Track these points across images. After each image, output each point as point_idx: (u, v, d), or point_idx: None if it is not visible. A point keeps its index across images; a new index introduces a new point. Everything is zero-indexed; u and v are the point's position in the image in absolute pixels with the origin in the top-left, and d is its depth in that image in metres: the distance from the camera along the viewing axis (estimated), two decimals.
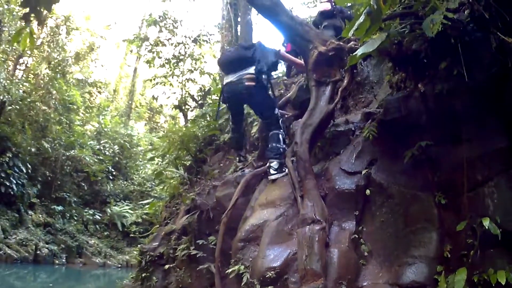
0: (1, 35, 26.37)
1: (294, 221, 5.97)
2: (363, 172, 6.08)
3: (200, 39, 18.98)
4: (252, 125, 9.53)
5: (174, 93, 18.17)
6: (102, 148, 33.36)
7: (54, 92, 29.28)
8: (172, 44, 18.70)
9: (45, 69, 29.92)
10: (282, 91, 10.80)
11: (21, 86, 28.03)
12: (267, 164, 7.39)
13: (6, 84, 25.37)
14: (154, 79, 18.78)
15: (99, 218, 29.71)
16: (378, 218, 5.76)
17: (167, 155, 12.66)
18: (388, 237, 5.57)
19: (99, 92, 39.01)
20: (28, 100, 27.36)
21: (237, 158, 8.65)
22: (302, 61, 8.93)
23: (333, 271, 5.21)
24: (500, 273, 4.61)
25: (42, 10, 6.58)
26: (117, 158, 34.58)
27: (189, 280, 7.95)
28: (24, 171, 25.17)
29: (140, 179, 34.67)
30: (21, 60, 31.36)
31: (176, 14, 30.21)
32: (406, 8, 5.63)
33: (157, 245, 9.38)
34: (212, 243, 7.60)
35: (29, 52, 29.86)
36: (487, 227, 4.68)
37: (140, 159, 36.03)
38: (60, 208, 27.59)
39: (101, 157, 31.72)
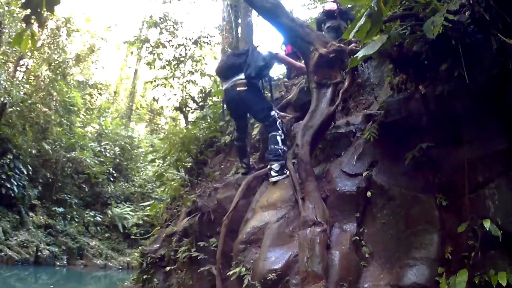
0: (2, 36, 26.38)
1: (295, 223, 5.97)
2: (364, 174, 6.08)
3: (200, 41, 19.01)
4: (253, 127, 9.53)
5: (175, 94, 18.21)
6: (103, 149, 33.41)
7: (55, 93, 29.31)
8: (172, 46, 18.74)
9: (46, 70, 29.96)
10: (282, 93, 10.80)
11: (21, 88, 28.05)
12: (268, 166, 7.39)
13: (6, 85, 25.40)
14: (154, 81, 18.81)
15: (100, 219, 29.73)
16: (379, 220, 5.75)
17: (168, 157, 12.67)
18: (389, 238, 5.56)
19: (100, 94, 39.06)
20: (29, 102, 27.37)
21: (240, 165, 8.64)
22: (300, 64, 9.01)
23: (334, 273, 5.21)
24: (501, 274, 4.60)
25: (43, 12, 6.59)
26: (118, 160, 34.62)
27: (190, 282, 7.95)
28: (25, 172, 25.20)
29: (141, 181, 34.68)
30: (21, 62, 31.41)
31: (177, 16, 30.31)
32: (406, 10, 5.63)
33: (158, 247, 9.38)
34: (213, 245, 7.60)
35: (29, 53, 29.92)
36: (488, 229, 4.66)
37: (141, 161, 36.09)
38: (61, 209, 27.62)
39: (102, 159, 31.78)
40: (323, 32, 11.27)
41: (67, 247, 25.66)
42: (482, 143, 5.20)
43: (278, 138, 7.51)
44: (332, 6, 11.64)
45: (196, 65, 18.57)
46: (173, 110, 19.54)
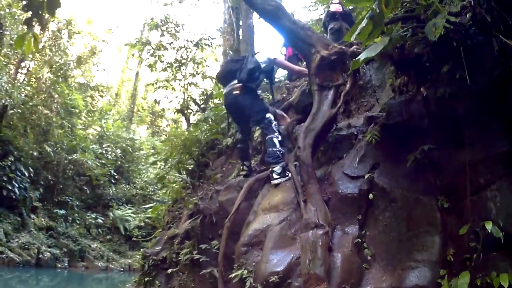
0: (3, 38, 26.40)
1: (297, 226, 5.97)
2: (366, 176, 6.07)
3: (202, 43, 18.97)
4: (255, 130, 9.54)
5: (176, 97, 18.17)
6: (104, 152, 33.42)
7: (56, 96, 29.34)
8: (174, 48, 18.70)
9: (47, 73, 29.98)
10: (284, 95, 10.81)
11: (23, 90, 28.07)
12: (270, 169, 7.40)
13: (8, 88, 25.43)
14: (156, 83, 18.78)
15: (102, 221, 29.74)
16: (381, 222, 5.74)
17: (170, 159, 12.67)
18: (391, 241, 5.56)
19: (101, 96, 39.11)
20: (30, 104, 27.40)
21: (242, 167, 8.66)
22: (299, 67, 9.07)
23: (336, 275, 5.21)
24: (503, 276, 4.60)
25: (44, 14, 6.60)
26: (119, 162, 34.62)
27: (192, 284, 7.94)
28: (26, 175, 25.20)
29: (142, 183, 34.68)
30: (23, 64, 31.44)
31: (178, 18, 30.24)
32: (407, 11, 5.63)
33: (160, 249, 9.38)
34: (215, 248, 7.59)
35: (31, 56, 29.91)
36: (489, 231, 4.66)
37: (143, 163, 36.08)
38: (62, 211, 27.63)
39: (103, 161, 31.80)
40: (328, 34, 11.30)
41: (69, 249, 25.66)
42: (483, 145, 5.20)
43: (275, 140, 7.58)
44: (337, 7, 11.64)
45: (197, 67, 18.53)
46: (174, 112, 19.49)
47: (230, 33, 19.91)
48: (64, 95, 30.03)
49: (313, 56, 6.86)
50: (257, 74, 8.11)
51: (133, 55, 29.23)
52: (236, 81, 8.04)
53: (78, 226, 28.17)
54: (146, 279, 9.16)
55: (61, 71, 30.55)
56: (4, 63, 27.29)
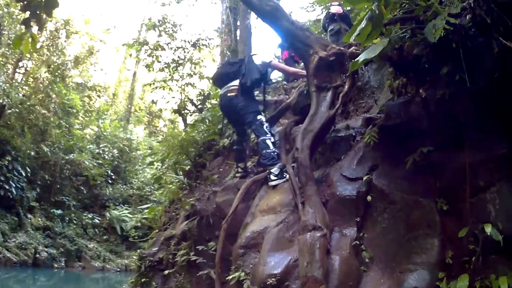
0: (1, 38, 26.36)
1: (295, 228, 5.93)
2: (364, 178, 6.03)
3: (199, 44, 18.97)
4: (250, 131, 9.53)
5: (174, 97, 18.18)
6: (101, 152, 33.37)
7: (54, 95, 29.30)
8: (171, 48, 18.69)
9: (45, 72, 29.92)
10: (281, 96, 10.79)
11: (20, 89, 28.05)
12: (267, 170, 7.37)
13: (5, 87, 25.39)
14: (153, 83, 18.78)
15: (98, 222, 29.72)
16: (380, 224, 5.71)
17: (167, 160, 12.62)
18: (390, 243, 5.53)
19: (99, 96, 39.04)
20: (28, 103, 27.36)
21: (236, 169, 8.66)
22: (294, 69, 9.09)
23: (335, 278, 5.17)
24: (502, 279, 4.58)
25: (42, 14, 6.58)
26: (116, 162, 34.59)
27: (189, 286, 7.92)
28: (24, 174, 25.17)
29: (139, 183, 34.63)
30: (20, 64, 31.40)
31: (176, 18, 30.23)
32: (406, 12, 5.60)
33: (156, 250, 9.35)
34: (212, 249, 7.55)
35: (28, 55, 29.87)
36: (489, 233, 4.63)
37: (139, 163, 36.01)
38: (59, 211, 27.59)
39: (100, 161, 31.74)
40: (328, 35, 11.31)
41: (65, 249, 25.63)
42: (483, 147, 5.17)
43: (268, 141, 7.59)
44: (338, 9, 11.66)
45: (195, 67, 18.51)
46: (171, 113, 19.50)
47: (228, 33, 19.92)
48: (61, 95, 29.99)
49: (311, 57, 6.83)
50: (261, 83, 8.39)
51: (130, 55, 29.30)
52: (232, 83, 8.12)
53: (75, 226, 28.13)
54: (142, 280, 9.12)
55: (59, 71, 30.53)
56: (2, 62, 27.25)
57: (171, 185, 12.12)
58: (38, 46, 29.18)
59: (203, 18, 64.75)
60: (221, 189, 8.28)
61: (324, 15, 12.73)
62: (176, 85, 18.08)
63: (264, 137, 7.63)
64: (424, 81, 5.75)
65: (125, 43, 22.09)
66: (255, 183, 7.55)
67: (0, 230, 22.58)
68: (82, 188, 30.75)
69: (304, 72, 8.36)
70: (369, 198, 5.87)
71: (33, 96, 28.65)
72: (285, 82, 12.35)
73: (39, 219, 26.10)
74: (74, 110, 32.19)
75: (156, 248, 9.44)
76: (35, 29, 8.38)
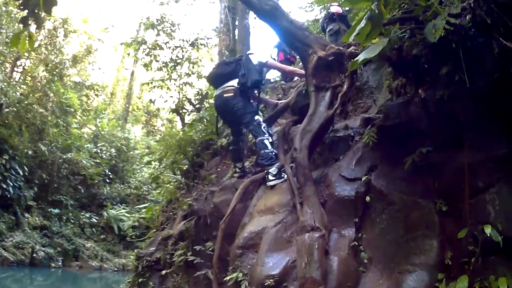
0: None
1: (293, 228, 5.91)
2: (363, 179, 6.01)
3: (197, 43, 18.91)
4: (247, 131, 9.51)
5: (172, 96, 18.09)
6: (99, 151, 33.34)
7: (52, 94, 29.28)
8: (169, 47, 18.62)
9: (43, 71, 29.90)
10: (280, 96, 10.77)
11: (18, 88, 28.06)
12: (265, 170, 7.35)
13: (3, 86, 25.38)
14: (151, 83, 18.72)
15: (96, 221, 29.69)
16: (378, 225, 5.70)
17: (164, 159, 12.60)
18: (388, 244, 5.50)
19: (96, 95, 39.04)
20: (25, 102, 27.35)
21: (234, 169, 8.65)
22: (290, 68, 9.10)
23: (333, 279, 5.16)
24: (502, 280, 4.57)
25: (40, 13, 6.55)
26: (114, 162, 34.57)
27: (186, 286, 7.87)
28: (21, 173, 25.13)
29: (137, 183, 34.62)
30: (18, 62, 31.42)
31: (174, 17, 30.19)
32: (406, 12, 5.57)
33: (153, 250, 9.31)
34: (210, 249, 7.51)
35: (26, 54, 29.85)
36: (489, 234, 4.62)
37: (137, 163, 36.05)
38: (56, 211, 27.56)
39: (98, 160, 31.72)
40: (327, 35, 11.31)
41: (63, 248, 25.61)
42: (482, 147, 5.16)
43: (266, 141, 7.58)
44: (337, 9, 11.68)
45: (193, 67, 18.45)
46: (169, 112, 19.42)
47: (226, 33, 19.89)
48: (59, 94, 29.98)
49: (310, 56, 6.81)
50: (260, 84, 8.29)
51: (128, 54, 29.19)
52: (229, 84, 8.13)
53: (72, 226, 28.10)
54: (139, 280, 9.08)
55: (57, 70, 30.52)
56: (0, 61, 27.24)
57: (168, 185, 12.10)
58: (36, 45, 29.25)
59: (201, 18, 64.78)
60: (218, 189, 8.24)
61: (323, 16, 12.76)
62: (174, 84, 18.04)
63: (262, 137, 7.61)
64: (424, 81, 5.73)
65: (123, 42, 22.03)
66: (253, 183, 7.52)
67: None
68: (80, 187, 30.72)
69: (301, 71, 8.38)
70: (367, 198, 5.85)
71: (31, 95, 28.64)
72: (283, 82, 12.34)
73: (37, 218, 26.07)
74: (72, 109, 32.17)
75: (154, 248, 9.40)
76: (33, 28, 8.36)
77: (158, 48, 18.74)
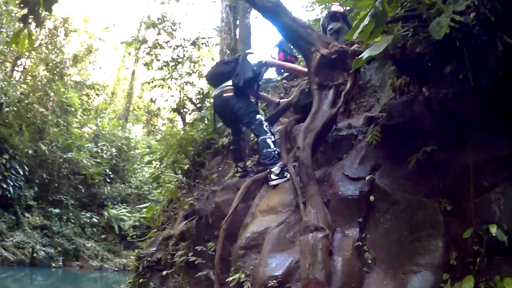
0: None
1: (297, 228, 5.85)
2: (367, 178, 5.94)
3: (198, 42, 18.88)
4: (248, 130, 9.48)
5: (172, 96, 18.07)
6: (99, 150, 33.38)
7: (52, 94, 29.31)
8: (170, 46, 18.59)
9: (43, 71, 29.93)
10: (282, 95, 10.73)
11: (18, 87, 28.08)
12: (268, 169, 7.31)
13: (3, 85, 25.38)
14: (152, 82, 18.68)
15: (96, 221, 29.73)
16: (382, 225, 5.63)
17: (165, 159, 12.56)
18: (393, 244, 5.44)
19: (97, 95, 39.11)
20: (26, 102, 27.36)
21: (236, 169, 8.61)
22: (290, 64, 9.10)
23: (337, 279, 5.09)
24: (507, 280, 4.52)
25: (41, 11, 6.50)
26: (114, 161, 34.62)
27: (188, 286, 7.83)
28: (21, 173, 25.14)
29: (137, 182, 34.67)
30: (19, 62, 31.45)
31: (175, 16, 30.16)
32: (408, 11, 5.54)
33: (154, 251, 9.27)
34: (211, 250, 7.45)
35: (27, 53, 29.90)
36: (494, 234, 4.57)
37: (138, 162, 36.08)
38: (57, 210, 27.59)
39: (98, 160, 31.73)
40: (328, 34, 11.28)
41: (63, 248, 25.64)
42: (487, 146, 5.11)
43: (269, 140, 7.55)
44: (339, 8, 11.68)
45: (194, 66, 18.42)
46: (170, 112, 19.40)
47: (227, 32, 19.84)
48: (60, 93, 30.01)
49: (313, 54, 6.75)
50: (254, 83, 8.26)
51: (129, 53, 29.24)
52: (227, 83, 8.08)
53: (72, 225, 28.14)
54: (140, 281, 9.04)
55: (57, 69, 30.55)
56: (0, 60, 27.26)
57: (169, 184, 12.05)
58: (36, 44, 29.30)
59: (202, 17, 64.73)
60: (220, 188, 8.19)
61: (325, 14, 12.75)
62: (175, 83, 18.01)
63: (264, 136, 7.57)
64: (427, 80, 5.69)
65: (124, 41, 22.02)
66: (255, 182, 7.47)
67: None
68: (80, 187, 30.75)
69: (300, 67, 8.35)
70: (371, 198, 5.78)
71: (31, 94, 28.67)
72: (285, 81, 12.31)
73: (37, 218, 26.09)
74: (73, 109, 32.24)
75: (154, 248, 9.36)
76: (33, 26, 8.31)
77: (159, 47, 18.71)
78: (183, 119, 17.48)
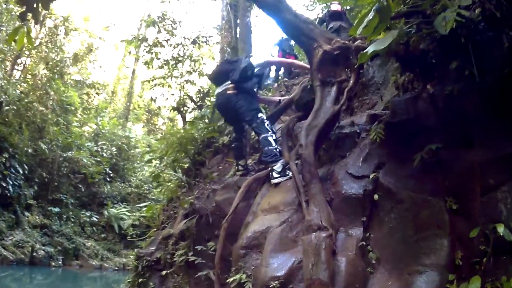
0: None
1: (299, 228, 5.76)
2: (371, 176, 5.85)
3: (199, 40, 18.84)
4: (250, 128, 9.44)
5: (173, 94, 18.03)
6: (99, 149, 33.42)
7: (52, 93, 29.32)
8: (171, 45, 18.56)
9: (43, 69, 29.96)
10: (283, 93, 10.69)
11: (18, 86, 28.08)
12: (269, 168, 7.23)
13: (3, 84, 25.36)
14: (152, 81, 18.64)
15: (96, 220, 29.75)
16: (387, 224, 5.54)
17: (165, 158, 12.52)
18: (397, 243, 5.35)
19: (97, 94, 39.19)
20: (26, 100, 27.39)
21: (237, 167, 8.55)
22: (290, 60, 9.06)
23: (341, 280, 4.99)
24: None
25: (39, 8, 6.42)
26: (114, 160, 34.67)
27: (187, 286, 7.76)
28: (21, 172, 25.15)
29: (137, 181, 34.74)
30: (19, 60, 31.47)
31: (175, 15, 30.13)
32: (412, 7, 5.46)
33: (154, 250, 9.21)
34: (212, 249, 7.37)
35: (27, 52, 29.93)
36: (501, 234, 4.48)
37: (138, 161, 36.15)
38: (57, 209, 27.60)
39: (98, 159, 31.75)
40: None
41: (63, 247, 25.65)
42: (493, 144, 5.03)
43: (270, 138, 7.51)
44: (339, 7, 11.73)
45: (194, 65, 18.39)
46: (170, 110, 19.36)
47: (228, 30, 19.84)
48: (60, 92, 30.05)
49: (315, 50, 6.66)
50: (249, 73, 8.11)
51: (129, 52, 29.24)
52: (229, 82, 8.07)
53: (72, 224, 28.15)
54: (139, 280, 8.98)
55: (57, 68, 30.59)
56: (0, 59, 27.23)
57: (169, 183, 12.00)
58: (36, 43, 29.35)
59: (203, 15, 64.72)
60: (220, 187, 8.11)
61: (325, 13, 12.78)
62: (175, 82, 17.98)
63: (265, 135, 7.53)
64: (431, 77, 5.63)
65: (124, 39, 21.97)
66: (257, 181, 7.40)
67: None
68: (80, 186, 30.80)
69: (300, 62, 8.32)
70: (376, 197, 5.69)
71: (31, 93, 28.70)
72: (286, 79, 12.29)
73: (37, 217, 26.11)
74: (73, 108, 32.30)
75: (154, 248, 9.30)
76: (33, 25, 8.26)
77: (159, 45, 18.69)
78: (183, 117, 17.44)
